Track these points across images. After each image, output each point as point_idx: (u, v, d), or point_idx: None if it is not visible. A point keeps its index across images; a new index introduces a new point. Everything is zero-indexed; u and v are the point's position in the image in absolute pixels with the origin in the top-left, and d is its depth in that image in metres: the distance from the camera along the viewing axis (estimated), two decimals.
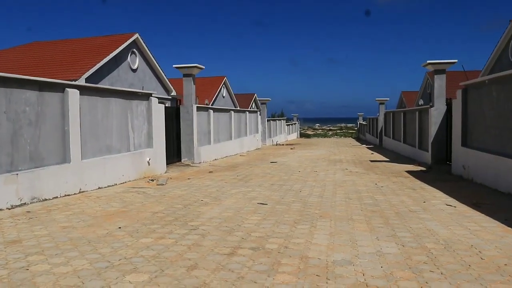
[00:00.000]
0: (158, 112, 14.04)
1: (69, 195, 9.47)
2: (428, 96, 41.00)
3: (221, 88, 41.30)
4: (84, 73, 19.96)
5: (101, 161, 10.83)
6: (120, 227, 6.48)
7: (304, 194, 9.50)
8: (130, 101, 12.52)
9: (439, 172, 13.89)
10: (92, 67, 20.68)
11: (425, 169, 14.97)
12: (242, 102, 48.50)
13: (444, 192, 9.69)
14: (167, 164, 15.56)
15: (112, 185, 11.02)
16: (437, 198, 9.04)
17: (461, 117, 12.58)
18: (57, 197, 9.14)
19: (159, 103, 14.23)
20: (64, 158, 9.65)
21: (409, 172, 14.14)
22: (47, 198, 8.92)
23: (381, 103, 32.87)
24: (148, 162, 13.11)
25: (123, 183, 11.53)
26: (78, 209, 7.96)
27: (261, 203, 8.37)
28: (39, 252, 5.26)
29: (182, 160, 17.14)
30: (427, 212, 7.52)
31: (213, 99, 38.67)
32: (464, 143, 12.50)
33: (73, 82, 10.07)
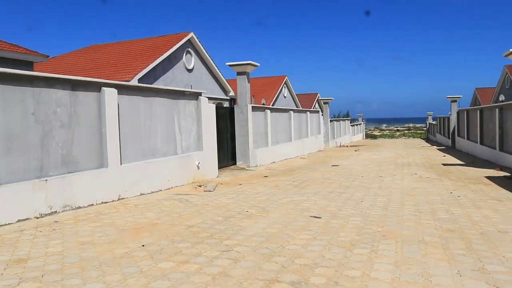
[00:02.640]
0: (209, 112, 13.14)
1: (106, 202, 8.71)
2: (507, 92, 37.81)
3: (282, 88, 40.18)
4: (136, 74, 19.54)
5: (144, 165, 10.04)
6: (143, 245, 5.52)
7: (365, 205, 8.17)
8: (176, 101, 11.69)
9: None
10: (145, 68, 20.24)
11: (509, 174, 13.07)
12: (305, 102, 47.15)
13: None
14: (220, 168, 14.67)
15: (156, 191, 10.20)
16: None
17: None
18: (92, 204, 8.40)
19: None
20: (101, 162, 8.90)
21: (489, 178, 12.35)
22: (81, 206, 8.18)
23: (453, 101, 30.43)
24: (198, 166, 12.22)
25: (169, 188, 10.69)
26: (108, 219, 7.12)
27: (314, 216, 7.16)
28: (36, 277, 4.38)
29: (237, 163, 16.20)
30: None
31: (274, 99, 37.62)
32: None
33: (110, 81, 9.32)
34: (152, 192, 10.10)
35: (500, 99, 35.35)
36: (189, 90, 12.61)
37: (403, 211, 7.60)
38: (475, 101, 50.26)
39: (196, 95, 12.72)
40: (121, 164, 9.32)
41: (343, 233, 5.98)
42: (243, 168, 15.60)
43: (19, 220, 6.99)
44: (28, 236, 6.06)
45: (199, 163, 12.25)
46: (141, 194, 9.76)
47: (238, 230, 6.27)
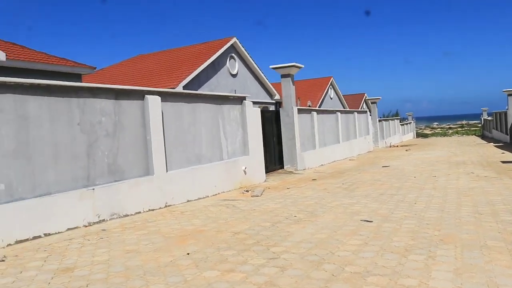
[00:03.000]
0: (254, 116, 12.98)
1: (153, 209, 8.69)
2: None
3: (328, 90, 39.63)
4: (181, 81, 19.69)
5: (190, 172, 9.99)
6: (188, 253, 5.38)
7: (419, 207, 7.74)
8: (221, 106, 11.61)
9: None
10: (189, 75, 20.37)
11: None
12: (352, 103, 46.35)
13: None
14: (267, 172, 14.49)
15: (203, 197, 10.13)
16: None
17: None
18: (139, 212, 8.40)
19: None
20: (147, 170, 8.91)
21: None
22: (128, 213, 8.19)
23: (510, 95, 29.00)
24: (244, 171, 12.08)
25: (215, 194, 10.59)
26: (154, 227, 7.06)
27: (364, 220, 6.83)
28: (81, 287, 4.32)
29: (285, 167, 15.97)
30: None
31: (320, 101, 37.13)
32: None
33: (153, 89, 9.34)
34: (199, 199, 10.03)
35: None
36: (233, 94, 12.52)
37: (460, 212, 7.14)
38: None
39: (240, 100, 12.60)
40: (167, 171, 9.30)
41: (396, 238, 5.63)
42: (291, 172, 15.36)
43: (68, 229, 7.05)
44: (76, 245, 6.06)
45: (245, 168, 12.11)
46: (188, 201, 9.71)
47: (286, 236, 6.04)
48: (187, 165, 10.07)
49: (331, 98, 40.54)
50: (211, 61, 22.48)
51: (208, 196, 10.34)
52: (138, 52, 30.11)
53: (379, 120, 31.98)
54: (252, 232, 6.40)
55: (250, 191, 10.82)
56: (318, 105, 36.16)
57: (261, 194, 10.33)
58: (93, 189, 7.62)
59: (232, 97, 12.28)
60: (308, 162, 16.64)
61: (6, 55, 12.52)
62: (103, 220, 7.68)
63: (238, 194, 10.51)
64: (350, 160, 20.27)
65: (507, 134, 29.78)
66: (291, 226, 6.67)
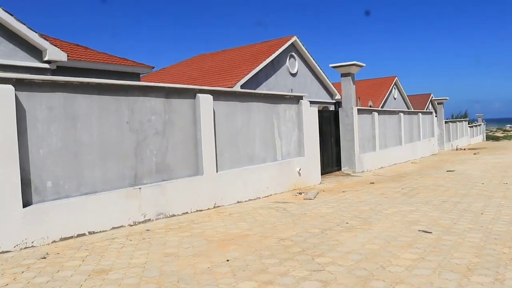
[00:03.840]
0: (310, 116, 12.53)
1: (201, 210, 8.50)
2: None
3: (391, 90, 38.28)
4: (239, 80, 19.54)
5: (241, 172, 9.72)
6: (228, 260, 5.09)
7: (486, 219, 7.03)
8: (276, 105, 11.26)
9: None
10: (247, 74, 20.17)
11: None
12: (417, 104, 44.60)
13: None
14: (324, 173, 14.02)
15: (254, 199, 9.84)
16: None
17: None
18: (187, 212, 8.22)
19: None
20: (197, 170, 8.72)
21: None
22: (175, 214, 8.04)
23: None
24: (299, 173, 11.68)
25: (267, 196, 10.27)
26: (199, 229, 6.84)
27: (423, 231, 6.25)
28: None
29: (342, 169, 15.41)
30: None
31: (383, 101, 35.94)
32: None
33: (205, 87, 9.14)
34: (249, 200, 9.75)
35: None
36: (289, 94, 12.14)
37: None
38: None
39: (297, 99, 12.20)
40: (217, 171, 9.08)
41: (457, 254, 5.05)
42: (348, 174, 14.77)
43: (113, 228, 6.97)
44: (117, 245, 5.94)
45: (300, 169, 11.70)
46: (238, 202, 9.45)
47: (334, 245, 5.61)
48: (239, 166, 9.81)
49: (394, 99, 39.17)
50: (270, 60, 22.20)
51: (259, 198, 10.04)
52: (202, 52, 30.43)
53: (445, 122, 30.45)
54: (299, 239, 6.01)
55: (303, 194, 10.42)
56: (381, 105, 35.02)
57: (314, 197, 9.90)
58: (140, 188, 7.52)
59: (288, 97, 11.90)
60: (367, 164, 15.96)
61: (68, 55, 12.81)
62: (149, 220, 7.56)
63: (290, 197, 10.14)
64: (412, 163, 19.32)
65: None
66: (341, 234, 6.22)
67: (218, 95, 9.39)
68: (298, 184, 11.62)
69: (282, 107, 11.52)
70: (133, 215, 7.35)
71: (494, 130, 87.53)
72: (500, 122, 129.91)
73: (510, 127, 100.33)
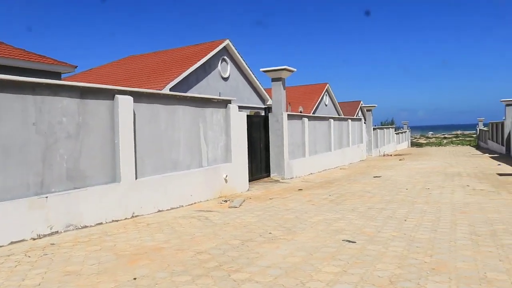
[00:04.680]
0: (239, 121, 12.21)
1: (117, 220, 7.89)
2: None
3: (323, 96, 38.89)
4: (168, 83, 18.93)
5: (163, 179, 9.19)
6: (135, 278, 4.59)
7: (410, 226, 6.97)
8: (202, 109, 10.83)
9: None
10: (178, 76, 19.62)
11: None
12: (347, 111, 45.67)
13: None
14: (252, 180, 13.72)
15: (177, 207, 9.33)
16: None
17: None
18: (101, 223, 7.59)
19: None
20: (114, 176, 8.11)
21: None
22: (87, 225, 7.39)
23: (508, 105, 28.33)
24: (226, 179, 11.30)
25: (191, 204, 9.80)
26: (111, 242, 6.27)
27: (347, 241, 6.04)
28: None
29: (272, 175, 15.18)
30: None
31: (314, 107, 36.40)
32: None
33: (125, 88, 8.55)
34: (172, 209, 9.24)
35: None
36: (217, 97, 11.73)
37: (456, 233, 6.38)
38: None
39: (225, 103, 11.83)
40: (136, 178, 8.51)
41: (380, 265, 4.84)
42: (277, 180, 14.57)
43: (12, 242, 6.24)
44: (12, 263, 5.25)
45: (227, 176, 11.32)
46: (159, 211, 8.91)
47: (254, 258, 5.25)
48: (161, 172, 9.27)
49: (326, 105, 39.83)
50: (201, 63, 21.74)
51: (182, 206, 9.55)
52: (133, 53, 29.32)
53: (374, 128, 31.26)
54: (217, 252, 5.61)
55: (228, 202, 10.04)
56: (312, 111, 35.43)
57: (240, 205, 9.54)
58: (47, 197, 6.82)
59: (215, 100, 11.50)
60: (297, 170, 15.86)
61: None
62: (56, 232, 6.87)
63: (215, 205, 9.72)
64: (341, 169, 19.51)
65: (503, 145, 29.11)
66: (263, 245, 5.88)
67: (139, 97, 8.82)
68: (224, 191, 11.23)
69: (209, 111, 11.11)
70: (38, 228, 6.64)
71: (418, 137, 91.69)
72: (423, 129, 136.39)
73: (432, 134, 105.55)
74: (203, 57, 21.81)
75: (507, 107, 28.33)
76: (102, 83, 20.17)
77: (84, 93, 7.69)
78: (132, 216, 8.24)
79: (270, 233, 6.65)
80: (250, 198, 10.64)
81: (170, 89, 18.74)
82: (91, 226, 7.42)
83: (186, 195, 9.79)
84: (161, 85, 18.66)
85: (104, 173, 7.94)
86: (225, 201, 10.17)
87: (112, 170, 8.09)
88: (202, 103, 10.86)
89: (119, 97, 8.22)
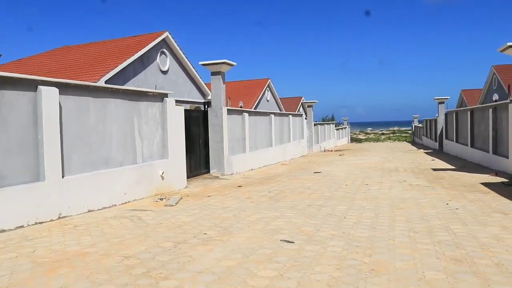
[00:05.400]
0: (176, 116, 11.76)
1: (41, 222, 7.28)
2: (493, 93, 36.99)
3: (264, 91, 38.81)
4: (104, 75, 18.07)
5: (93, 177, 8.63)
6: None
7: (349, 223, 6.85)
8: (137, 102, 10.31)
9: None
10: (114, 69, 18.77)
11: (506, 180, 11.91)
12: (289, 106, 45.90)
13: None
14: (191, 177, 13.32)
15: (109, 207, 8.80)
16: None
17: None
18: (22, 226, 6.97)
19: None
20: (37, 175, 7.47)
21: (486, 185, 11.16)
22: (6, 228, 6.74)
23: (440, 103, 29.43)
24: (162, 176, 10.83)
25: (125, 203, 9.29)
26: (30, 248, 5.71)
27: (285, 241, 5.81)
28: None
29: (211, 171, 14.82)
30: None
31: (256, 103, 36.26)
32: None
33: (49, 79, 7.92)
34: (104, 208, 8.69)
35: (494, 99, 34.34)
36: (153, 90, 11.21)
37: (394, 230, 6.31)
38: (461, 103, 49.52)
39: (161, 97, 11.34)
40: (63, 176, 7.91)
41: (319, 267, 4.63)
42: (217, 177, 14.23)
43: None
44: None
45: (163, 172, 10.86)
46: (89, 211, 8.35)
47: (186, 263, 4.90)
48: (92, 169, 8.70)
49: (267, 101, 39.80)
50: (139, 55, 20.92)
51: (115, 205, 9.03)
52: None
53: (315, 124, 31.55)
54: (147, 256, 5.21)
55: (165, 200, 9.61)
56: (254, 107, 35.27)
57: (176, 204, 9.14)
58: None
59: (151, 94, 10.99)
60: (237, 166, 15.59)
61: None
62: None
63: (150, 203, 9.26)
64: (282, 164, 19.44)
65: (436, 141, 30.21)
66: (196, 248, 5.54)
67: (66, 89, 8.21)
68: (161, 188, 10.78)
69: (144, 105, 10.60)
70: None
71: (358, 133, 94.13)
72: (362, 125, 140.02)
73: (371, 130, 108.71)
74: (141, 49, 21.02)
75: (439, 105, 29.39)
76: (34, 75, 19.02)
77: (2, 83, 7.01)
78: (59, 217, 7.65)
79: (205, 233, 6.32)
80: (187, 196, 10.25)
81: (106, 82, 17.90)
82: (10, 230, 6.79)
83: (120, 194, 9.27)
84: (96, 78, 17.79)
85: (25, 171, 7.29)
86: (161, 199, 9.73)
87: (35, 168, 7.46)
88: (136, 96, 10.34)
89: (42, 88, 7.59)
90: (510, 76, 33.44)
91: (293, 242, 5.71)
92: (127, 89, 10.18)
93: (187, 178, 12.45)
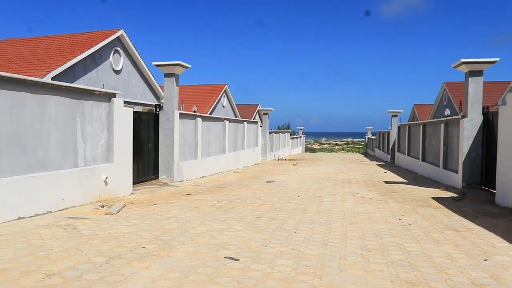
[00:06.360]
0: (124, 117, 11.12)
1: None
2: (443, 108, 37.98)
3: (221, 97, 38.36)
4: (51, 71, 17.13)
5: (27, 181, 7.90)
6: None
7: (299, 239, 6.47)
8: (81, 101, 9.63)
9: (476, 200, 10.85)
10: (62, 65, 17.85)
11: (456, 195, 11.91)
12: (245, 113, 45.58)
13: (504, 238, 6.67)
14: (138, 183, 12.69)
15: (44, 213, 8.09)
16: (500, 249, 6.03)
17: None
18: None
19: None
20: None
21: (437, 199, 11.11)
22: None
23: (394, 116, 29.88)
24: (105, 182, 10.16)
25: (63, 210, 8.59)
26: None
27: (229, 258, 5.36)
28: None
29: (160, 177, 14.19)
30: (503, 286, 4.50)
31: (211, 108, 35.73)
32: None
33: None
34: (37, 215, 7.98)
35: (446, 114, 35.26)
36: (100, 89, 10.54)
37: (346, 248, 5.97)
38: (413, 117, 50.76)
39: (108, 97, 10.69)
40: None
41: None
42: (166, 184, 13.62)
43: None
44: None
45: (107, 177, 10.20)
46: (19, 218, 7.62)
47: (117, 283, 4.37)
48: (25, 172, 7.97)
49: (223, 107, 39.35)
50: (90, 52, 20.05)
51: (51, 212, 8.32)
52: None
53: (270, 132, 31.32)
54: (73, 273, 4.63)
55: (106, 207, 8.96)
56: (209, 112, 34.74)
57: (118, 212, 8.52)
58: None
59: (97, 93, 10.32)
60: (188, 173, 15.02)
61: None
62: None
63: (90, 210, 8.61)
64: (234, 172, 19.00)
65: (389, 154, 30.60)
66: (131, 264, 5.00)
67: None
68: (104, 194, 10.11)
69: (89, 105, 9.93)
70: None
71: (312, 142, 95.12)
72: (317, 135, 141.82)
73: (325, 140, 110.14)
74: (93, 46, 20.14)
75: (393, 118, 29.83)
76: None
77: None
78: None
79: (143, 247, 5.78)
80: (131, 203, 9.64)
81: (53, 78, 16.97)
82: None
83: (57, 199, 8.57)
84: (42, 73, 16.82)
85: None
86: (102, 206, 9.07)
87: None
88: (80, 94, 9.67)
89: None
90: (460, 92, 34.43)
91: (238, 260, 5.26)
92: (70, 86, 9.48)
93: (134, 184, 11.82)
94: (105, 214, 8.35)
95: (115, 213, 8.41)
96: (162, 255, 5.43)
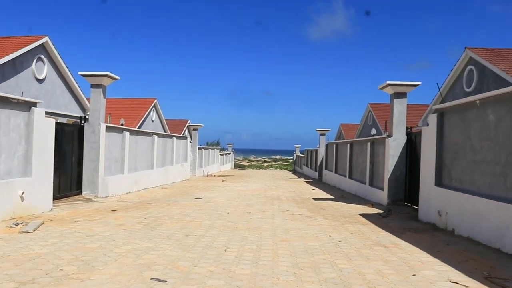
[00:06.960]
0: (45, 128, 10.44)
1: None
2: (369, 128, 39.43)
3: (150, 111, 37.53)
4: None
5: None
6: None
7: (230, 257, 6.24)
8: None
9: (401, 216, 11.17)
10: None
11: (382, 211, 12.21)
12: (174, 128, 44.84)
13: (429, 253, 6.83)
14: (60, 198, 11.95)
15: None
16: (426, 264, 6.14)
17: (435, 148, 9.95)
18: None
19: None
20: None
21: (364, 216, 11.30)
22: None
23: (322, 134, 30.58)
24: (21, 197, 9.42)
25: None
26: None
27: (156, 279, 5.03)
28: None
29: (83, 193, 13.43)
30: None
31: (140, 122, 34.82)
32: (439, 182, 9.83)
33: None
34: None
35: (372, 133, 36.57)
36: (18, 97, 9.81)
37: (278, 267, 5.81)
38: (339, 136, 52.31)
39: (28, 105, 10.01)
40: None
41: None
42: (89, 199, 12.91)
43: None
44: None
45: (23, 193, 9.46)
46: None
47: None
48: None
49: (152, 121, 38.50)
50: (10, 58, 18.87)
51: None
52: None
53: (199, 148, 30.96)
54: None
55: (21, 225, 8.27)
56: (138, 126, 33.81)
57: (34, 230, 7.88)
58: None
59: (15, 101, 9.61)
60: (113, 188, 14.36)
61: None
62: None
63: (2, 229, 7.90)
64: (163, 188, 18.46)
65: (316, 171, 31.18)
66: None
67: None
68: (20, 211, 9.36)
69: (6, 113, 9.23)
70: None
71: (241, 159, 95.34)
72: (246, 152, 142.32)
73: (254, 157, 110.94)
74: (14, 52, 18.98)
75: (321, 136, 30.52)
76: None
77: None
78: None
79: (61, 269, 5.31)
80: (51, 220, 8.99)
81: None
82: None
83: None
84: None
85: None
86: (17, 224, 8.36)
87: None
88: None
89: None
90: (384, 113, 35.96)
91: (166, 281, 4.94)
92: None
93: (55, 199, 11.10)
94: (19, 232, 7.68)
95: (31, 231, 7.76)
96: (82, 278, 5.00)
